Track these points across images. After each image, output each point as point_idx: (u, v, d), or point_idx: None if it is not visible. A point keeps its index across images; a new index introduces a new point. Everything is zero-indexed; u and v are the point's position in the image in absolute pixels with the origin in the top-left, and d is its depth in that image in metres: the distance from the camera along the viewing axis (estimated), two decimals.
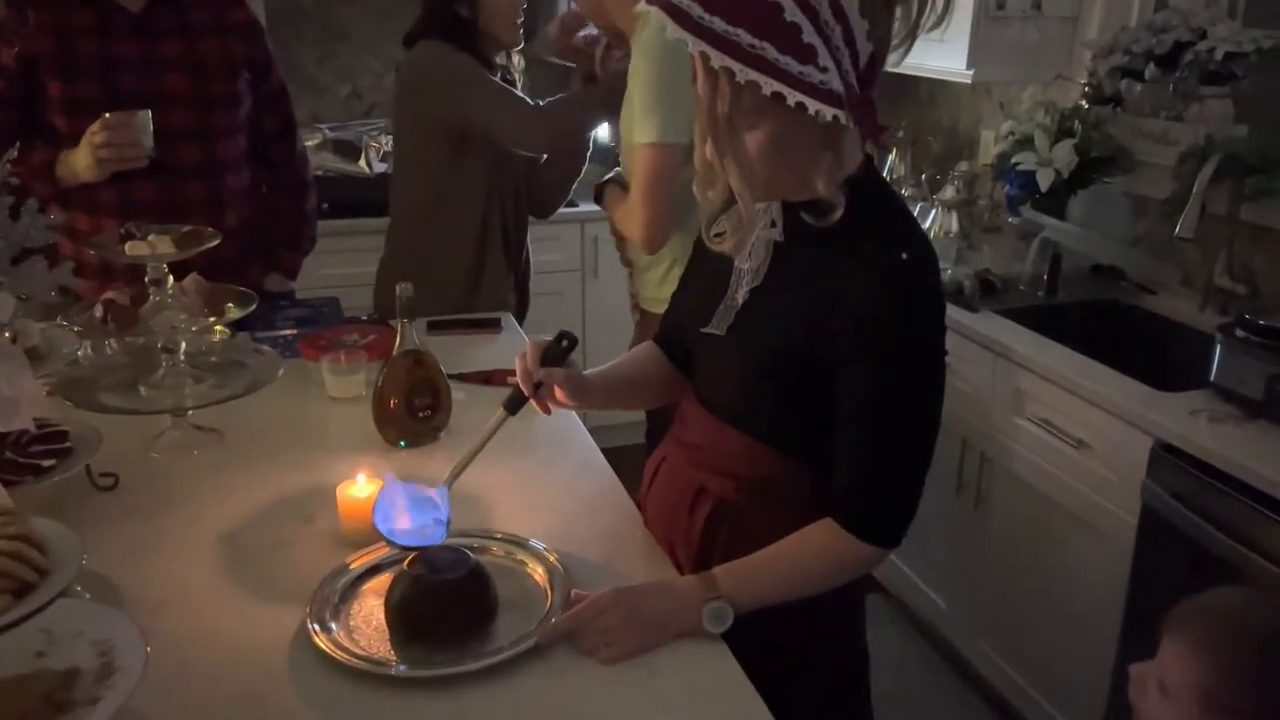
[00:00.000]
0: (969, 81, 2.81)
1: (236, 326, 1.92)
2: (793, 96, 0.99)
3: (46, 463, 1.36)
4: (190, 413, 1.63)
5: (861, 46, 1.04)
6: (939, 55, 2.87)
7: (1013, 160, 2.62)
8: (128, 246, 1.50)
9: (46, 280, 1.09)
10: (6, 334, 1.11)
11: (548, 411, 1.31)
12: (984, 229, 2.93)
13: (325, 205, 3.41)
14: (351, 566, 1.28)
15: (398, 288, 1.58)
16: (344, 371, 1.81)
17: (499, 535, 1.35)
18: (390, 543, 1.23)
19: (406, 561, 1.18)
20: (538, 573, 1.28)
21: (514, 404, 1.29)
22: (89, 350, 1.65)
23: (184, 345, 1.59)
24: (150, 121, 1.93)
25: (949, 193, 2.84)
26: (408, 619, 1.16)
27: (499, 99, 2.18)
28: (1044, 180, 2.52)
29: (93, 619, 0.87)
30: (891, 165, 3.40)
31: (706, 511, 1.29)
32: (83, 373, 1.58)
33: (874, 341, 1.12)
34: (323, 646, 1.12)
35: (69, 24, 1.98)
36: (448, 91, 2.19)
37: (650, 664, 1.13)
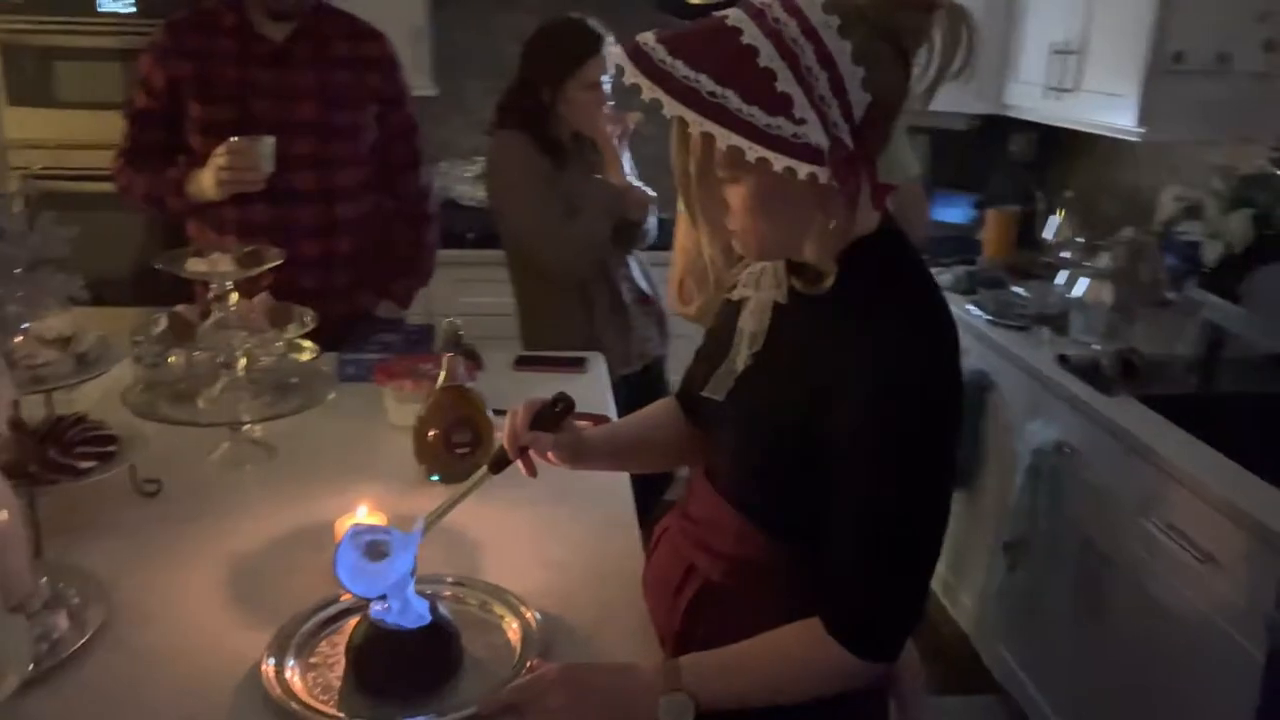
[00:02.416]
0: (1139, 140, 2.56)
1: (328, 347, 1.98)
2: (753, 152, 0.89)
3: (84, 464, 1.42)
4: (246, 427, 1.67)
5: (855, 96, 0.92)
6: (1108, 110, 2.65)
7: (1178, 229, 2.35)
8: (189, 262, 1.56)
9: (58, 290, 1.13)
10: (19, 338, 1.15)
11: (533, 474, 1.26)
12: (1145, 304, 2.64)
13: (471, 234, 3.54)
14: (342, 600, 1.26)
15: (443, 322, 1.57)
16: (406, 399, 1.81)
17: (477, 584, 1.29)
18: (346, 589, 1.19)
19: (373, 605, 1.15)
20: (511, 629, 1.21)
21: (497, 464, 1.24)
22: (175, 360, 1.73)
23: (242, 361, 1.63)
24: (273, 148, 2.01)
25: (1105, 260, 2.58)
26: (359, 666, 1.12)
27: (534, 224, 2.33)
28: (1210, 253, 2.25)
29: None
30: (1057, 227, 3.15)
31: (692, 593, 1.18)
32: (148, 382, 1.65)
33: (869, 430, 0.99)
34: (264, 684, 1.09)
35: (214, 49, 2.10)
36: (504, 192, 2.38)
37: None
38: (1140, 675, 2.01)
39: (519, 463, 1.23)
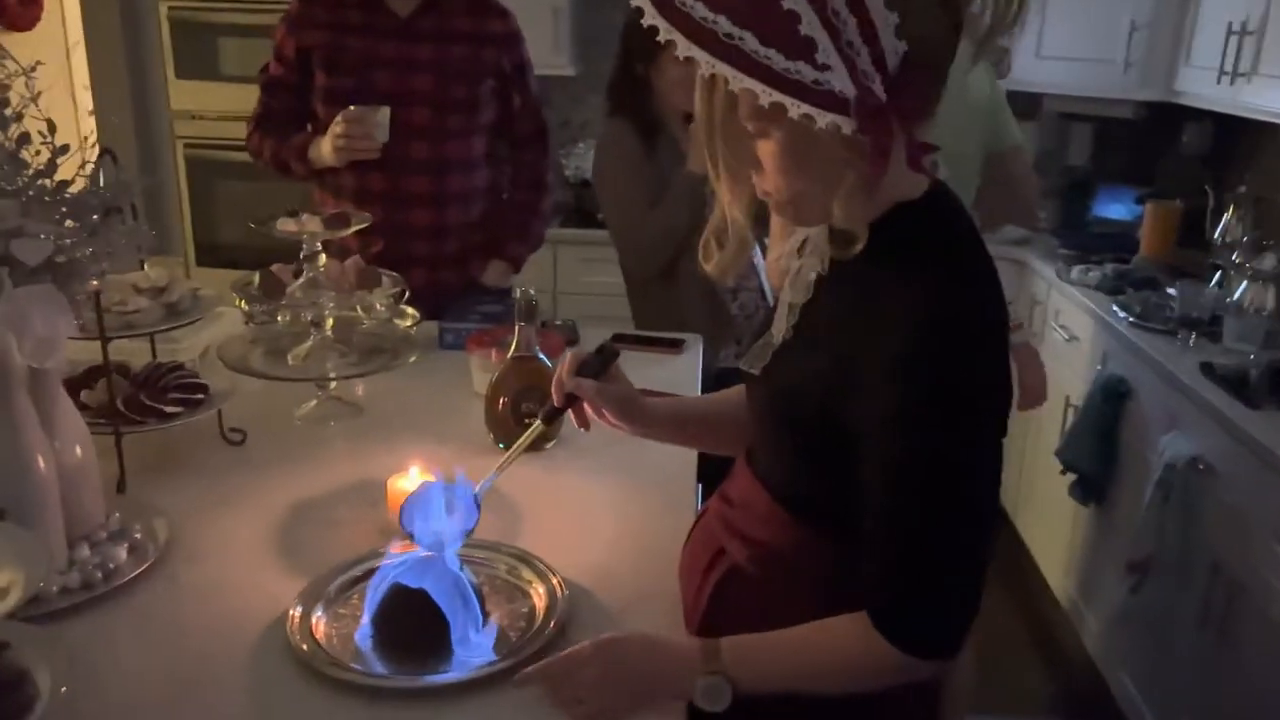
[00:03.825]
0: None
1: (431, 315, 2.03)
2: (767, 96, 0.83)
3: (171, 409, 1.50)
4: (333, 386, 1.73)
5: (888, 44, 0.85)
6: None
7: None
8: (279, 223, 1.62)
9: (128, 237, 1.19)
10: (94, 283, 1.22)
11: (584, 426, 1.24)
12: None
13: (601, 214, 3.56)
14: (392, 552, 1.27)
15: (517, 292, 1.58)
16: (490, 368, 1.82)
17: (506, 549, 1.29)
18: (408, 538, 1.21)
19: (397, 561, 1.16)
20: (538, 594, 1.21)
21: (549, 415, 1.23)
22: (284, 319, 1.80)
23: (330, 321, 1.69)
24: (388, 117, 2.07)
25: (1269, 262, 2.33)
26: (378, 621, 1.14)
27: (622, 217, 2.31)
28: None
29: (17, 543, 0.92)
30: (1226, 225, 2.88)
31: (718, 577, 1.14)
32: (250, 338, 1.73)
33: (898, 406, 0.93)
34: (286, 628, 1.12)
35: (342, 21, 2.18)
36: (599, 181, 2.36)
37: None
38: (1269, 709, 1.82)
39: (571, 415, 1.21)
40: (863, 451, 0.96)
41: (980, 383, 0.94)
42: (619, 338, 1.23)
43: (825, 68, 0.84)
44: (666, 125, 2.32)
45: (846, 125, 0.85)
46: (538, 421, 1.24)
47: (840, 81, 0.85)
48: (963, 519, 0.95)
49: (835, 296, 1.02)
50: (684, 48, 0.85)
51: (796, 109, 0.84)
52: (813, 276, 1.05)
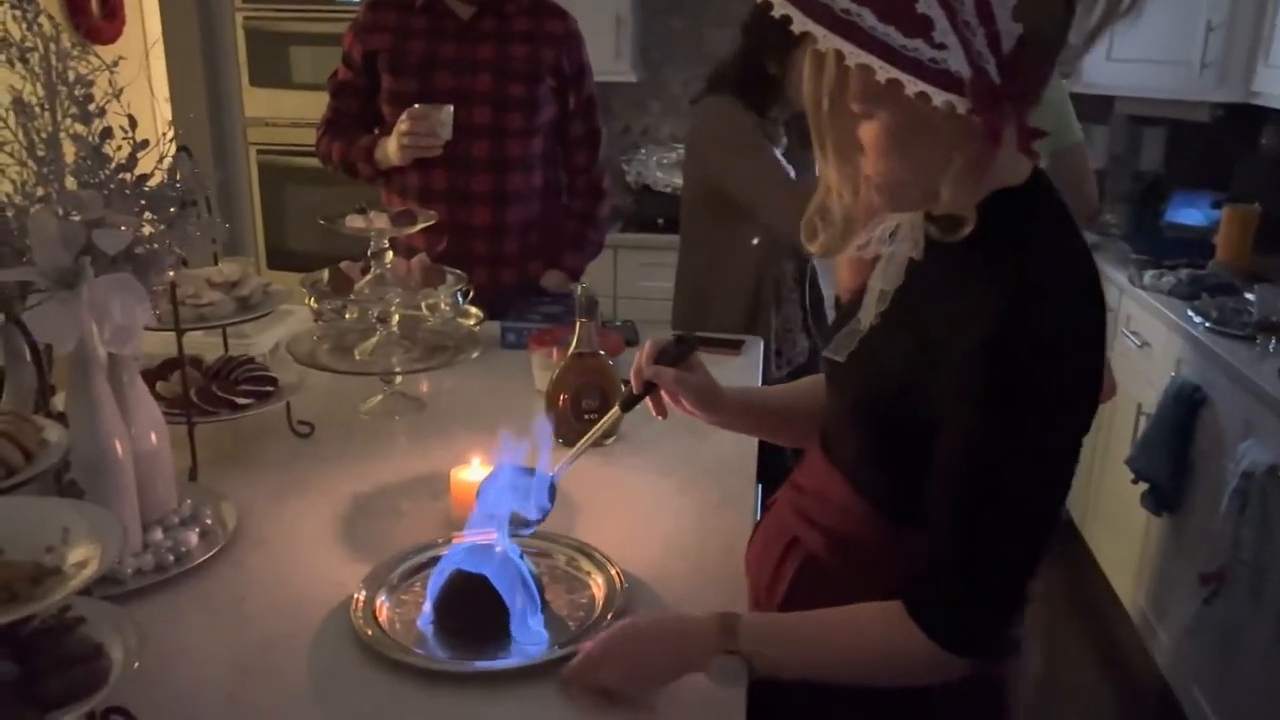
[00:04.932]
0: None
1: (490, 316, 2.05)
2: (884, 72, 0.83)
3: (242, 400, 1.53)
4: (398, 381, 1.76)
5: (1004, 26, 0.85)
6: None
7: None
8: (348, 220, 1.65)
9: (203, 229, 1.23)
10: (171, 274, 1.26)
11: (662, 414, 1.24)
12: None
13: (661, 220, 3.57)
14: (454, 540, 1.29)
15: (578, 288, 1.59)
16: (550, 367, 1.84)
17: (564, 539, 1.30)
18: (482, 517, 1.22)
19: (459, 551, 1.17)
20: (596, 584, 1.22)
21: (627, 402, 1.24)
22: (352, 316, 1.84)
23: (395, 317, 1.72)
24: (450, 115, 2.10)
25: None
26: (440, 606, 1.15)
27: (770, 177, 2.15)
28: None
29: (95, 520, 0.96)
30: None
31: (794, 568, 1.13)
32: (311, 333, 1.77)
33: (974, 397, 0.91)
34: (350, 611, 1.14)
35: (406, 25, 2.23)
36: (724, 153, 2.21)
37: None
38: None
39: (648, 402, 1.22)
40: (936, 439, 0.95)
41: (1067, 375, 0.92)
42: (681, 339, 1.23)
43: (942, 46, 0.84)
44: (782, 128, 2.26)
45: (961, 105, 0.85)
46: (615, 408, 1.24)
47: (956, 61, 0.84)
48: (1024, 514, 0.93)
49: (927, 281, 1.01)
50: (800, 23, 0.86)
51: (913, 86, 0.83)
52: (905, 261, 1.04)
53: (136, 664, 0.94)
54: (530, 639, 1.12)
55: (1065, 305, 0.92)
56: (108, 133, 1.18)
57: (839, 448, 1.11)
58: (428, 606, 1.16)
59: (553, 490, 1.22)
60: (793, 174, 2.18)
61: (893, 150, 0.93)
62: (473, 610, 1.13)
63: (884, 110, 0.91)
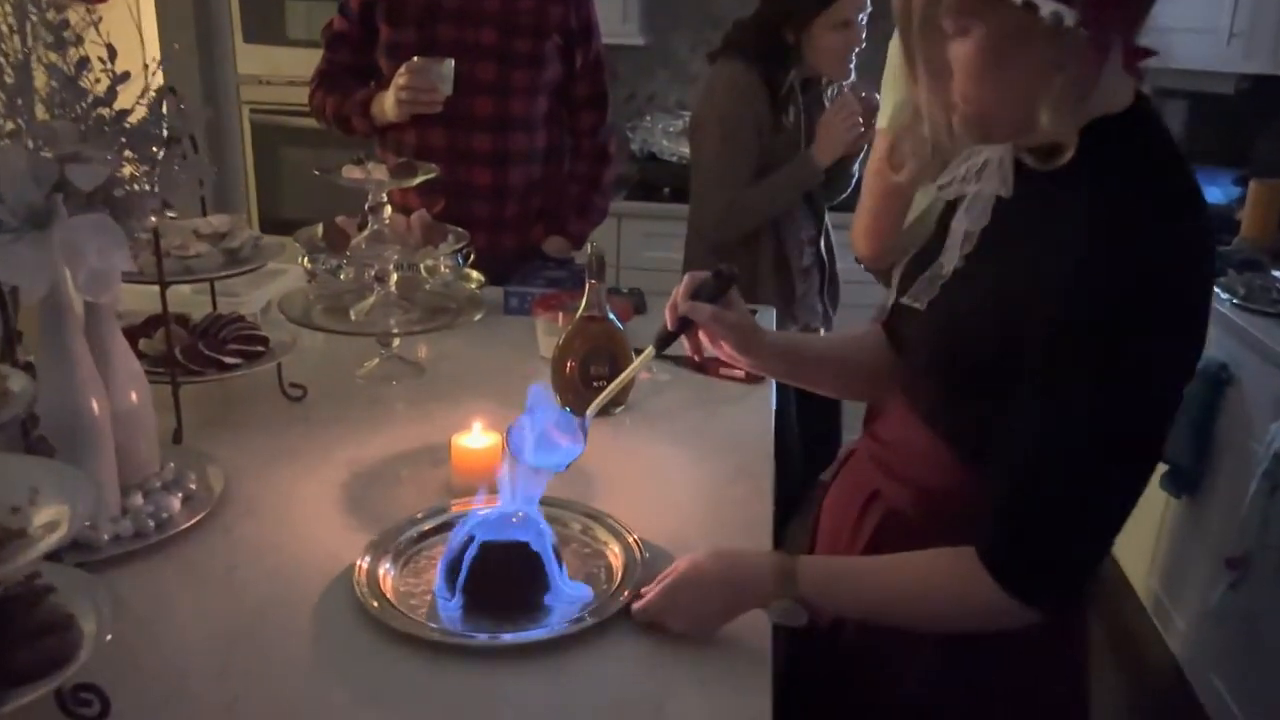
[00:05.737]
0: None
1: (496, 280, 1.96)
2: None
3: (230, 360, 1.45)
4: (396, 343, 1.67)
5: None
6: None
7: None
8: (344, 170, 1.56)
9: (189, 169, 1.14)
10: (153, 219, 1.16)
11: (698, 354, 1.16)
12: None
13: (667, 189, 3.48)
14: (451, 509, 1.21)
15: (589, 248, 1.50)
16: (555, 332, 1.75)
17: (578, 507, 1.22)
18: (513, 459, 1.13)
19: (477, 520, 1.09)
20: (613, 552, 1.15)
21: (662, 341, 1.15)
22: (347, 274, 1.75)
23: (394, 276, 1.63)
24: (451, 70, 2.00)
25: None
26: (475, 575, 1.06)
27: (719, 168, 2.21)
28: None
29: (66, 479, 0.87)
30: None
31: (875, 522, 1.07)
32: (312, 292, 1.68)
33: (1068, 335, 0.84)
34: (355, 580, 1.06)
35: None
36: (707, 119, 2.25)
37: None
38: None
39: (684, 341, 1.14)
40: (1023, 382, 0.88)
41: (1167, 312, 0.84)
42: (719, 273, 1.15)
43: None
44: (794, 90, 2.21)
45: (1069, 17, 0.79)
46: (649, 348, 1.15)
47: None
48: (1112, 460, 0.86)
49: (1023, 220, 0.93)
50: None
51: None
52: (991, 200, 0.96)
53: (109, 636, 0.86)
54: (565, 603, 1.06)
55: (1173, 239, 0.84)
56: (85, 63, 1.09)
57: (923, 396, 1.04)
58: (440, 575, 1.08)
59: (584, 431, 1.14)
60: (744, 176, 2.19)
61: (987, 71, 0.85)
62: (513, 579, 1.06)
63: (980, 26, 0.84)
